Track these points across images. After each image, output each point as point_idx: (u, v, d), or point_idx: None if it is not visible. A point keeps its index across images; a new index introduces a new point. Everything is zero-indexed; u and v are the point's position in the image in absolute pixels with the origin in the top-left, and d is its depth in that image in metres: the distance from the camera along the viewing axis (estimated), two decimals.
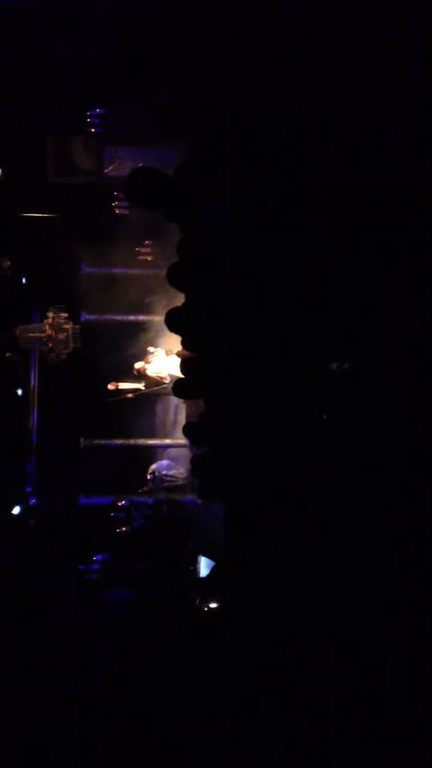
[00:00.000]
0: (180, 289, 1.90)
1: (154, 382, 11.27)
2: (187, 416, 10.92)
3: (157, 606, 9.03)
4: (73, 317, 11.81)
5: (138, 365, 11.26)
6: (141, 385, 11.37)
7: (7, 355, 11.79)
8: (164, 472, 11.62)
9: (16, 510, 11.39)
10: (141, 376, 11.29)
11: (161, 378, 11.19)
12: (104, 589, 10.19)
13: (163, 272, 1.92)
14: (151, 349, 11.31)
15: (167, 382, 11.23)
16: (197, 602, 8.54)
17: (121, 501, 11.18)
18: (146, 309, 11.75)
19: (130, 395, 11.28)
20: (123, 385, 11.40)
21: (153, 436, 12.01)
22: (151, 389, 11.28)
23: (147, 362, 11.28)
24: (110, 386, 11.33)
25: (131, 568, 10.43)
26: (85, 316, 11.84)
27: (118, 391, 11.33)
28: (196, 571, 9.97)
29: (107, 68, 10.11)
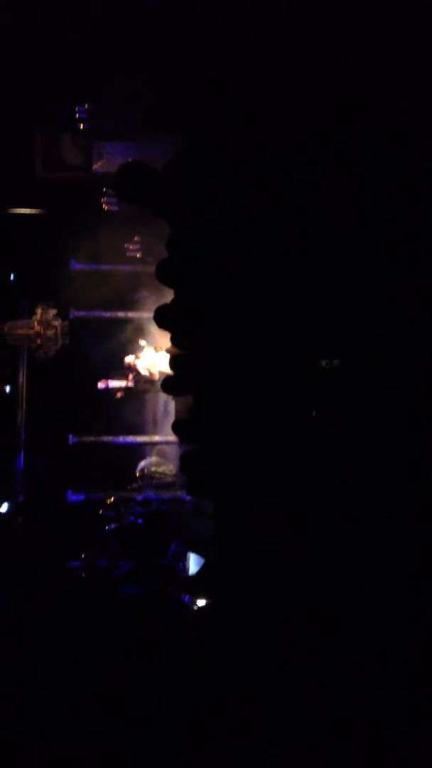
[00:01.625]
0: (169, 285, 1.89)
1: (143, 378, 11.25)
2: (176, 413, 10.90)
3: (147, 604, 9.01)
4: (62, 314, 11.76)
5: (128, 359, 11.23)
6: (130, 382, 11.34)
7: None
8: (153, 469, 11.61)
9: (3, 507, 11.35)
10: (131, 370, 11.27)
11: (151, 375, 11.17)
12: (93, 587, 10.16)
13: (152, 268, 1.90)
14: (142, 342, 11.27)
15: (156, 379, 11.21)
16: (187, 600, 8.53)
17: (110, 498, 11.16)
18: (135, 305, 11.72)
19: (119, 394, 11.26)
20: (113, 383, 11.38)
21: (142, 432, 11.99)
22: (140, 386, 11.26)
23: (137, 357, 11.26)
24: (100, 384, 11.30)
25: (120, 565, 10.40)
26: (74, 313, 11.79)
27: (108, 388, 11.31)
28: (185, 568, 9.96)
29: (97, 64, 10.06)
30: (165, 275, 1.12)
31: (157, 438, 11.86)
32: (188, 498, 10.63)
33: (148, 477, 11.53)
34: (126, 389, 11.38)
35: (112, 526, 10.96)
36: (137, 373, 11.21)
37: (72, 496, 11.23)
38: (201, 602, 8.24)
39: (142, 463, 11.71)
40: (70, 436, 11.37)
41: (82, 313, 11.82)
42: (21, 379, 11.89)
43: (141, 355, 11.24)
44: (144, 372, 11.16)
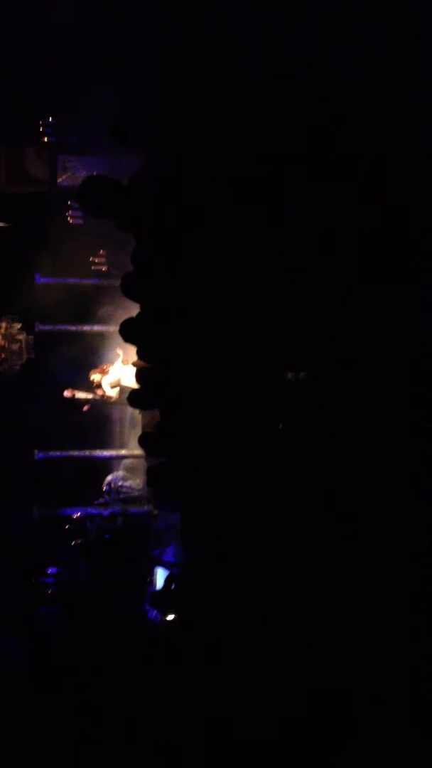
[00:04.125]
0: (134, 299, 1.88)
1: (105, 396, 11.17)
2: (143, 427, 10.86)
3: (115, 618, 8.94)
4: (27, 327, 11.67)
5: (94, 377, 11.14)
6: (97, 396, 11.27)
7: None
8: (120, 484, 11.53)
9: None
10: (96, 386, 11.19)
11: (108, 397, 11.06)
12: (59, 602, 10.05)
13: (118, 282, 1.89)
14: (119, 351, 11.14)
15: (112, 400, 11.11)
16: (154, 615, 8.48)
17: (76, 513, 11.06)
18: (101, 319, 11.67)
19: (86, 408, 11.17)
20: (79, 393, 11.30)
21: (108, 447, 11.92)
22: (105, 400, 11.20)
23: (104, 373, 11.16)
24: (66, 393, 11.21)
25: (86, 580, 10.32)
26: (39, 327, 11.71)
27: (74, 398, 11.22)
28: (153, 582, 9.90)
29: (61, 76, 10.06)
30: (130, 289, 1.11)
31: (123, 452, 11.79)
32: (156, 512, 10.58)
33: (115, 491, 11.45)
34: (92, 402, 11.30)
35: (79, 541, 10.86)
36: (101, 389, 11.13)
37: (38, 512, 11.11)
38: (169, 616, 8.19)
39: (109, 478, 11.64)
40: (36, 451, 11.27)
41: (47, 327, 11.74)
42: None
43: (108, 369, 11.15)
44: (108, 390, 11.07)
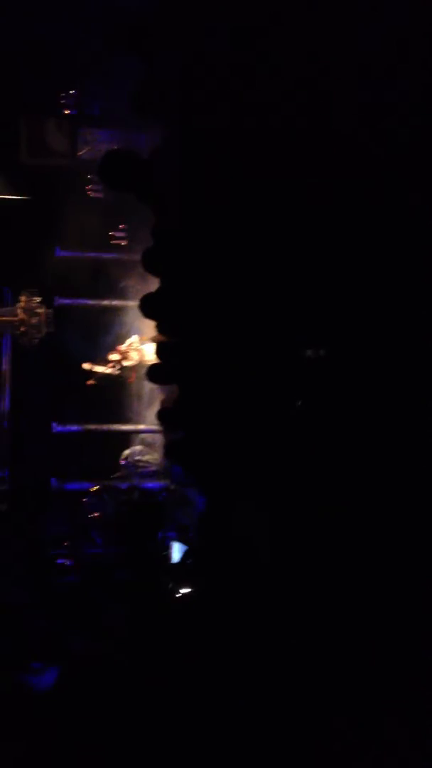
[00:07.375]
0: (154, 273, 1.87)
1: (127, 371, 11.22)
2: (161, 402, 10.87)
3: (131, 591, 9.02)
4: (47, 301, 11.69)
5: (113, 356, 11.17)
6: (114, 370, 11.32)
7: None
8: (138, 458, 11.60)
9: None
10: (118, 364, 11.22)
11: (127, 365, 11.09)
12: (75, 575, 10.15)
13: (138, 256, 1.88)
14: (135, 336, 11.16)
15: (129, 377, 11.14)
16: (170, 587, 8.55)
17: (94, 486, 11.15)
18: (121, 294, 11.67)
19: (89, 382, 11.20)
20: (97, 367, 11.35)
21: (127, 421, 11.97)
22: (124, 373, 11.25)
23: (125, 357, 11.16)
24: (85, 366, 11.27)
25: (104, 553, 10.40)
26: (59, 301, 11.73)
27: (92, 372, 11.27)
28: (169, 556, 9.98)
29: (83, 48, 9.98)
30: (151, 263, 1.11)
31: (141, 427, 11.84)
32: (173, 487, 10.63)
33: (132, 465, 11.52)
34: (107, 377, 11.34)
35: (96, 514, 10.95)
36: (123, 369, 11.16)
37: (56, 485, 11.20)
38: (184, 590, 8.25)
39: (127, 452, 11.70)
40: (54, 425, 11.34)
41: (66, 301, 11.76)
42: (4, 367, 11.82)
43: (130, 353, 11.15)
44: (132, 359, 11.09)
